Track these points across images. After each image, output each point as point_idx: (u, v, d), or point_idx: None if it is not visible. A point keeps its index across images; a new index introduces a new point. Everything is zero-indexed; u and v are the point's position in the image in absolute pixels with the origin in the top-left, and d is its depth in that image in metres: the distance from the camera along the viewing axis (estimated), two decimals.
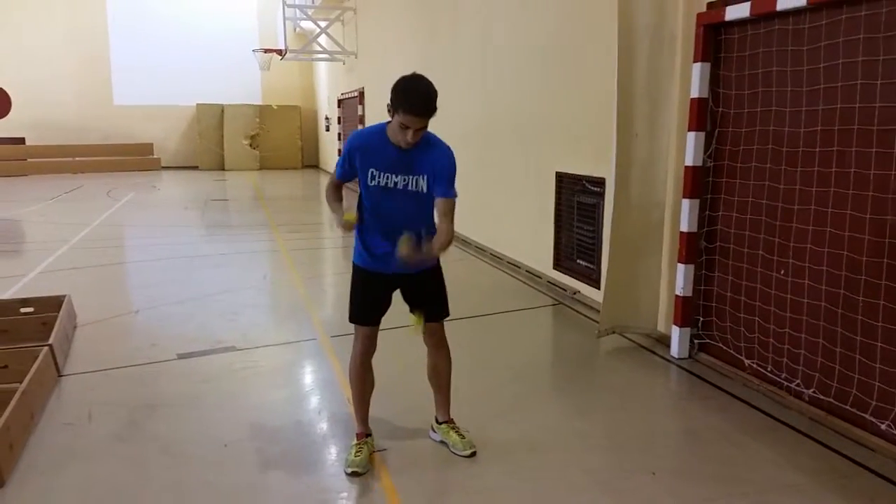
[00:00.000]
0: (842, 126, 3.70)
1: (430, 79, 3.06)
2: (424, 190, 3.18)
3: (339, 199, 3.37)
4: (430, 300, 3.40)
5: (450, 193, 3.18)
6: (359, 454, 3.35)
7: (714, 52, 4.53)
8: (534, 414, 4.08)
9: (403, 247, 2.98)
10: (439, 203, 3.18)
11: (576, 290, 6.63)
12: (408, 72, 3.10)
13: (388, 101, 3.01)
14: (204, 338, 5.40)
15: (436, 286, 3.42)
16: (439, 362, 3.56)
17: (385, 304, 3.39)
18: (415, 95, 2.95)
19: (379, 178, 3.15)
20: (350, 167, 3.21)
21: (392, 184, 3.15)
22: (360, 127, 16.62)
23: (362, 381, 3.45)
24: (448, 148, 3.23)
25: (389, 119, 3.08)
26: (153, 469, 3.40)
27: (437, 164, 3.16)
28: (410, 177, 3.15)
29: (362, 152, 3.15)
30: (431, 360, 3.57)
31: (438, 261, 3.38)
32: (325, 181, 19.89)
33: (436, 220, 3.23)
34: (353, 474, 3.27)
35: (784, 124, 4.08)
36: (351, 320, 3.42)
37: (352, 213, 3.20)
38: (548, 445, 3.65)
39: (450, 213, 3.17)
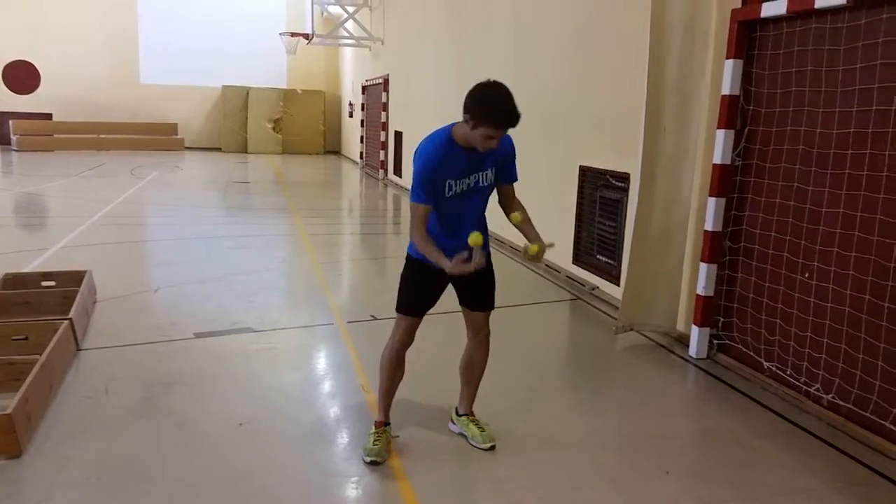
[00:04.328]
0: (876, 129, 3.62)
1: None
2: (492, 180, 3.18)
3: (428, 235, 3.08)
4: (483, 291, 3.38)
5: (517, 176, 3.27)
6: (377, 443, 3.32)
7: (747, 49, 4.45)
8: (549, 409, 4.06)
9: (477, 238, 2.84)
10: (509, 188, 3.28)
11: (594, 286, 6.59)
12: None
13: (465, 111, 2.88)
14: (221, 318, 5.43)
15: (489, 278, 3.38)
16: (478, 357, 3.50)
17: (436, 298, 3.33)
18: (500, 109, 2.83)
19: (456, 187, 3.07)
20: (433, 190, 3.03)
21: (466, 187, 3.10)
22: (382, 115, 16.64)
23: (394, 372, 3.37)
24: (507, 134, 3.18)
25: (456, 122, 3.01)
26: (167, 444, 3.43)
27: (501, 152, 3.14)
28: (481, 173, 3.11)
29: (440, 171, 3.02)
30: (469, 354, 3.52)
31: (490, 254, 3.34)
32: (346, 167, 20.07)
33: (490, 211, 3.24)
34: (373, 463, 3.25)
35: (816, 125, 4.00)
36: (398, 310, 3.32)
37: (477, 235, 2.85)
38: (562, 441, 3.63)
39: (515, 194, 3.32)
